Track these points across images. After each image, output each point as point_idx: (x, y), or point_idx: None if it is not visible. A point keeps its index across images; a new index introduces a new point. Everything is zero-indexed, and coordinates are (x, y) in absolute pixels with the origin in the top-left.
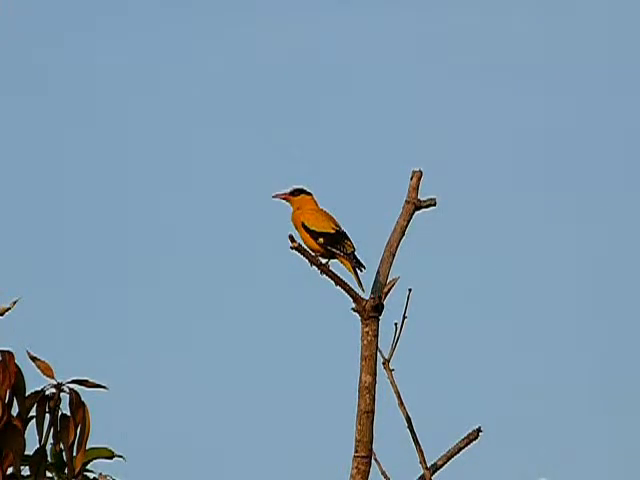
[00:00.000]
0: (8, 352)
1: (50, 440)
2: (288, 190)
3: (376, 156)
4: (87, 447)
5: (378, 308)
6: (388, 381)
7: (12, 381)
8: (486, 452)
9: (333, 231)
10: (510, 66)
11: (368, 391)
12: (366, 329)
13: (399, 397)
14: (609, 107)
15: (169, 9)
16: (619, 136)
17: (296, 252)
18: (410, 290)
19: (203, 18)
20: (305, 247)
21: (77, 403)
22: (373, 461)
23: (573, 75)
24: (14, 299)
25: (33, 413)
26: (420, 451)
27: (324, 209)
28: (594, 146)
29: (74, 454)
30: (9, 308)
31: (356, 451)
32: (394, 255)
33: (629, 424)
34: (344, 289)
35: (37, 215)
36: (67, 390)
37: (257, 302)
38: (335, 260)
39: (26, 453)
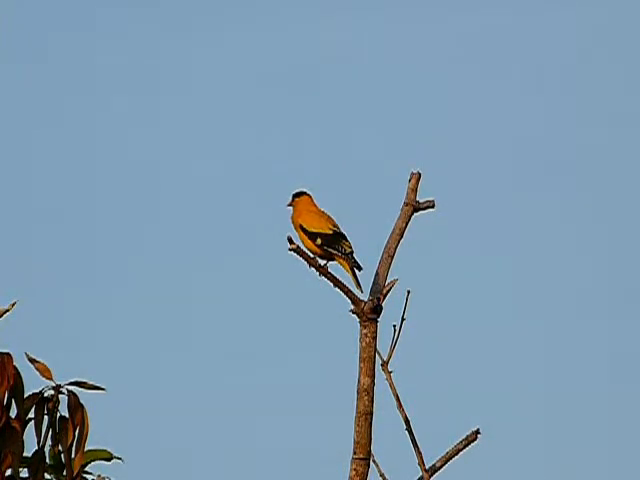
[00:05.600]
0: (6, 354)
1: (49, 442)
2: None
3: (375, 158)
4: (86, 449)
5: (377, 310)
6: (387, 383)
7: (10, 383)
8: (485, 454)
9: (330, 232)
10: (510, 67)
11: (367, 393)
12: (365, 331)
13: (398, 399)
14: (609, 107)
15: (170, 9)
16: (619, 136)
17: (294, 254)
18: (409, 292)
19: (202, 19)
20: (304, 248)
21: (76, 405)
22: (372, 463)
23: (573, 75)
24: (13, 301)
25: (32, 415)
26: (419, 453)
27: (323, 210)
28: (594, 146)
29: (73, 456)
30: (8, 310)
31: (355, 453)
32: (392, 257)
33: (629, 424)
34: (342, 291)
35: (37, 216)
36: (66, 392)
37: (256, 303)
38: (334, 262)
39: (25, 455)
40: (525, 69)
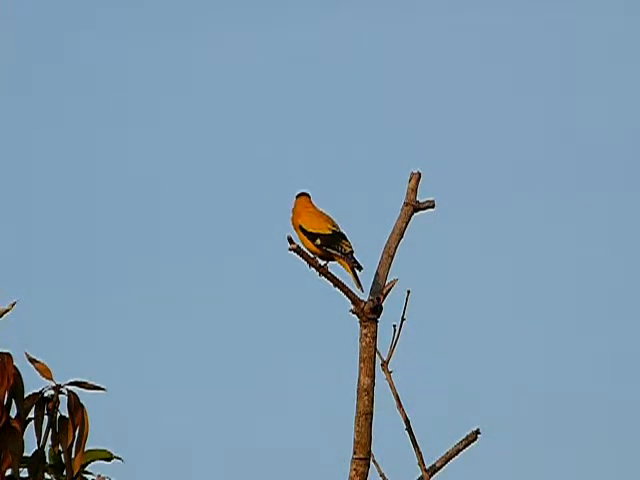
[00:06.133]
0: (6, 354)
1: (49, 442)
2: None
3: (375, 158)
4: (86, 449)
5: (376, 310)
6: (387, 383)
7: (10, 383)
8: (485, 454)
9: (330, 232)
10: (509, 66)
11: (367, 393)
12: (364, 331)
13: (398, 399)
14: (609, 107)
15: (170, 9)
16: (619, 136)
17: (294, 254)
18: (408, 292)
19: (202, 19)
20: (304, 248)
21: (76, 405)
22: (372, 463)
23: (573, 74)
24: (12, 301)
25: (32, 415)
26: (419, 453)
27: (322, 210)
28: (594, 146)
29: (73, 456)
30: (8, 310)
31: (355, 453)
32: (392, 257)
33: (629, 424)
34: (342, 291)
35: (37, 216)
36: (66, 392)
37: (255, 304)
38: (334, 262)
39: (25, 455)
40: (525, 69)
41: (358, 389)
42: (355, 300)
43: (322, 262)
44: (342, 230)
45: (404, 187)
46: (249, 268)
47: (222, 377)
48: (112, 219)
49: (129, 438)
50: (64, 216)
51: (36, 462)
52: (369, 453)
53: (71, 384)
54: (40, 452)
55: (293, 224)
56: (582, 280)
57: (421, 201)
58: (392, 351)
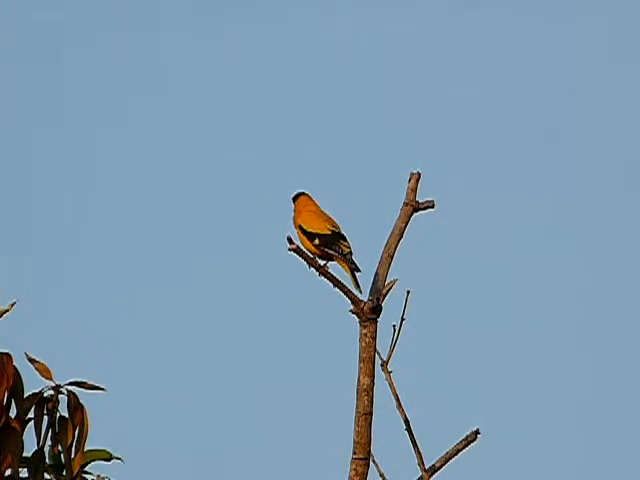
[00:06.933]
0: (6, 354)
1: (48, 442)
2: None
3: (374, 158)
4: (85, 449)
5: (376, 310)
6: (386, 383)
7: (10, 383)
8: (485, 454)
9: (329, 232)
10: (510, 67)
11: (366, 393)
12: (364, 331)
13: (397, 399)
14: (609, 107)
15: (170, 9)
16: (619, 137)
17: (294, 254)
18: (408, 292)
19: (202, 19)
20: (303, 248)
21: (75, 405)
22: (371, 463)
23: (574, 74)
24: (12, 301)
25: (31, 415)
26: (418, 453)
27: (323, 210)
28: (595, 147)
29: (72, 456)
30: (7, 310)
31: (354, 453)
32: (392, 257)
33: (629, 424)
34: (342, 291)
35: (37, 217)
36: (65, 392)
37: (255, 304)
38: (334, 262)
39: (24, 455)
40: (525, 69)
41: (358, 389)
42: (355, 300)
43: (322, 262)
44: (342, 231)
45: (404, 187)
46: (249, 268)
47: (222, 377)
48: (112, 219)
49: (129, 438)
50: (64, 216)
51: (36, 462)
52: (369, 453)
53: (71, 384)
54: (40, 452)
55: (294, 223)
56: (582, 280)
57: (421, 201)
58: (392, 351)
